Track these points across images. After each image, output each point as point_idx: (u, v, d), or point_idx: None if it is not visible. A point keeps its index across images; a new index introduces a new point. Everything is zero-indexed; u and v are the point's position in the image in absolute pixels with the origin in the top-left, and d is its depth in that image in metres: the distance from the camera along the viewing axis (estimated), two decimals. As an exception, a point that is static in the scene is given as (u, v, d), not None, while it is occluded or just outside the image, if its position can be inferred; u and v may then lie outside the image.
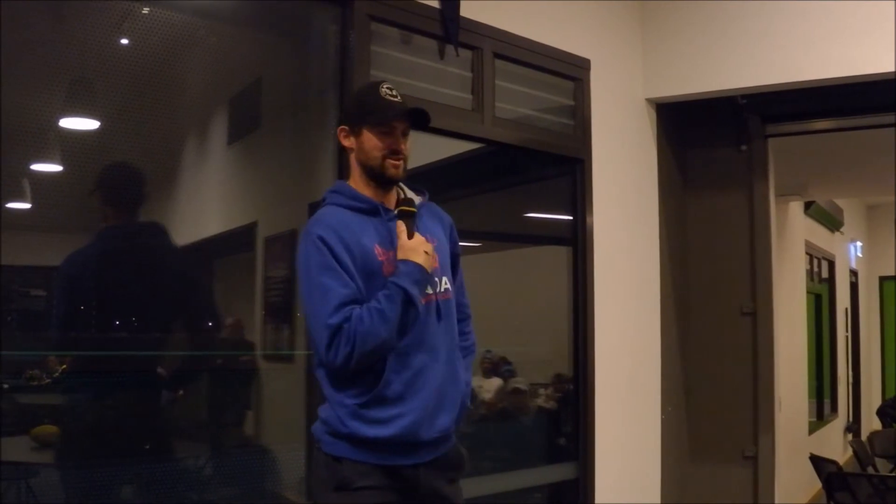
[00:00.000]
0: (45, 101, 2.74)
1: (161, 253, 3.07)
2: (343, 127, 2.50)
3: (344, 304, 2.28)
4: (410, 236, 2.42)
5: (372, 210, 2.46)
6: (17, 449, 2.77)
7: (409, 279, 2.35)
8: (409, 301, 2.34)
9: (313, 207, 2.68)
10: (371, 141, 2.44)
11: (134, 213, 2.99)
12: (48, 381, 2.85)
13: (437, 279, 2.48)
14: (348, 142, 2.49)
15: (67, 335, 2.83)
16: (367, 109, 2.45)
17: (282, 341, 3.37)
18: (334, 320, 2.26)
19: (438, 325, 2.48)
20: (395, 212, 2.49)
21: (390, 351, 2.33)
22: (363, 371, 2.33)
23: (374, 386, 2.33)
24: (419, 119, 2.49)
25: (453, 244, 2.69)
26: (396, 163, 2.45)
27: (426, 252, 2.41)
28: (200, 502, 3.09)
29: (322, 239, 2.32)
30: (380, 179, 2.47)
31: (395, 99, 2.46)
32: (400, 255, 2.39)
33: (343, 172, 2.93)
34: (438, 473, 2.45)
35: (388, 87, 2.48)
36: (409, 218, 2.47)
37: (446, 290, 2.53)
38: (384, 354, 2.33)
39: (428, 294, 2.44)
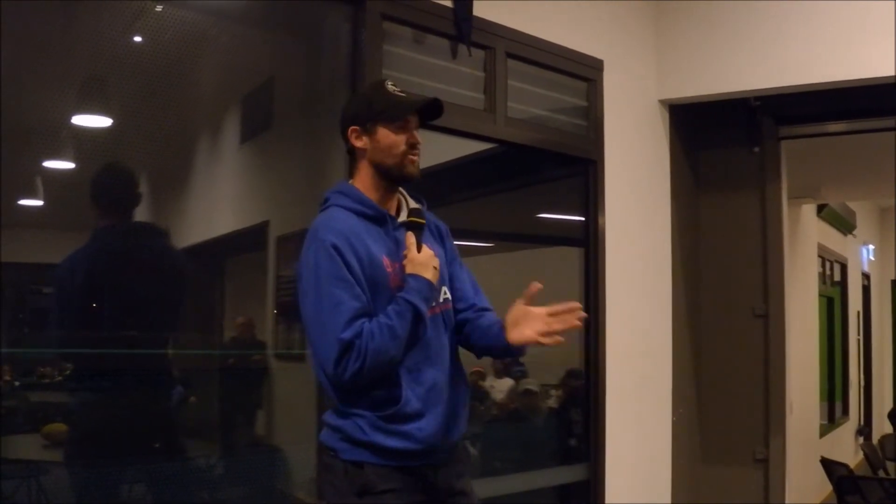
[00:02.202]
0: (57, 100, 2.75)
1: (154, 252, 3.05)
2: (354, 128, 2.42)
3: (355, 318, 2.24)
4: (419, 249, 2.39)
5: (379, 218, 2.41)
6: (28, 447, 2.78)
7: (418, 295, 2.32)
8: (417, 317, 2.31)
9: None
10: (389, 137, 2.39)
11: (126, 214, 2.96)
12: (59, 378, 2.86)
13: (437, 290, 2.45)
14: (361, 142, 2.42)
15: (67, 335, 2.83)
16: (381, 107, 2.41)
17: (293, 340, 3.37)
18: (347, 335, 2.21)
19: (444, 336, 2.47)
20: (405, 222, 2.45)
21: (396, 366, 2.31)
22: (375, 383, 2.30)
23: (388, 399, 2.31)
24: (431, 112, 2.47)
25: (450, 252, 2.63)
26: (415, 158, 2.41)
27: (434, 267, 2.39)
28: (211, 501, 3.09)
29: (336, 247, 2.26)
30: (397, 177, 2.42)
31: (404, 95, 2.44)
32: (409, 269, 2.36)
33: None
34: (451, 470, 2.45)
35: (392, 84, 2.46)
36: (419, 230, 2.44)
37: (446, 299, 2.50)
38: (389, 370, 2.30)
39: (433, 307, 2.41)
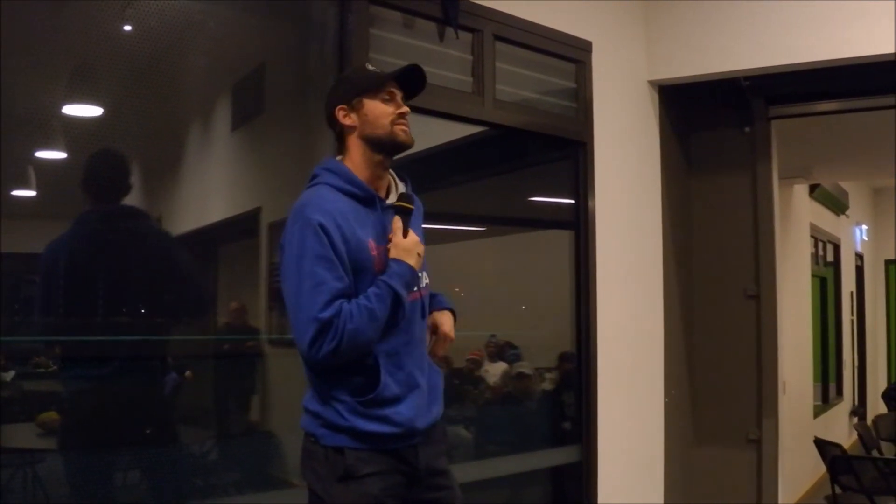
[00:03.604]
0: (47, 89, 2.75)
1: (140, 236, 3.04)
2: (341, 107, 2.43)
3: (335, 299, 2.23)
4: (405, 234, 2.40)
5: (368, 199, 2.41)
6: (23, 436, 2.79)
7: (400, 281, 2.33)
8: (397, 303, 2.32)
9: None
10: (377, 108, 2.40)
11: (111, 198, 2.94)
12: (54, 368, 2.86)
13: (419, 274, 2.47)
14: (349, 119, 2.42)
15: (57, 322, 2.82)
16: (364, 81, 2.44)
17: (286, 326, 3.37)
18: (325, 314, 2.20)
19: (422, 321, 2.49)
20: (393, 205, 2.46)
21: (373, 350, 2.32)
22: (354, 368, 2.31)
23: (367, 384, 2.32)
24: (415, 84, 2.50)
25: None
26: (405, 126, 2.43)
27: (419, 253, 2.40)
28: (205, 487, 3.10)
29: (322, 227, 2.25)
30: (389, 147, 2.42)
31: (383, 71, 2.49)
32: (393, 254, 2.37)
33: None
34: (431, 450, 2.47)
35: (372, 66, 2.52)
36: (407, 215, 2.44)
37: (426, 284, 2.52)
38: (365, 353, 2.30)
39: (413, 292, 2.42)
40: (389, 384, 2.33)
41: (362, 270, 2.32)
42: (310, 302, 2.22)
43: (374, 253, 2.35)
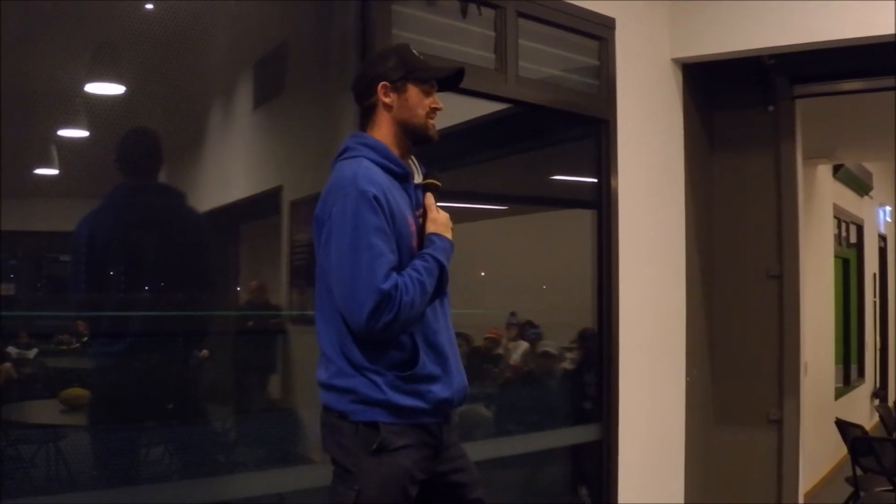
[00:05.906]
0: (69, 68, 2.75)
1: (167, 211, 3.05)
2: (385, 83, 2.43)
3: (391, 271, 2.26)
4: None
5: (403, 176, 2.45)
6: (47, 412, 2.81)
7: (444, 255, 2.39)
8: (442, 276, 2.37)
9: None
10: (417, 97, 2.44)
11: (141, 173, 2.95)
12: (77, 345, 2.88)
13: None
14: (389, 98, 2.44)
15: (84, 297, 2.84)
16: (414, 67, 2.46)
17: (307, 303, 3.38)
18: (387, 286, 2.22)
19: (447, 301, 2.52)
20: (423, 183, 2.50)
21: (414, 326, 2.34)
22: (394, 344, 2.33)
23: (406, 361, 2.34)
24: (452, 81, 2.54)
25: None
26: (434, 122, 2.48)
27: (452, 229, 2.45)
28: (227, 463, 3.12)
29: (377, 199, 2.28)
30: (420, 137, 2.47)
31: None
32: (431, 229, 2.41)
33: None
34: (449, 427, 2.50)
35: (416, 51, 2.53)
36: (436, 192, 2.49)
37: None
38: (411, 326, 2.33)
39: None
40: (426, 363, 2.36)
41: (401, 245, 2.35)
42: (370, 273, 2.23)
43: (413, 229, 2.39)
